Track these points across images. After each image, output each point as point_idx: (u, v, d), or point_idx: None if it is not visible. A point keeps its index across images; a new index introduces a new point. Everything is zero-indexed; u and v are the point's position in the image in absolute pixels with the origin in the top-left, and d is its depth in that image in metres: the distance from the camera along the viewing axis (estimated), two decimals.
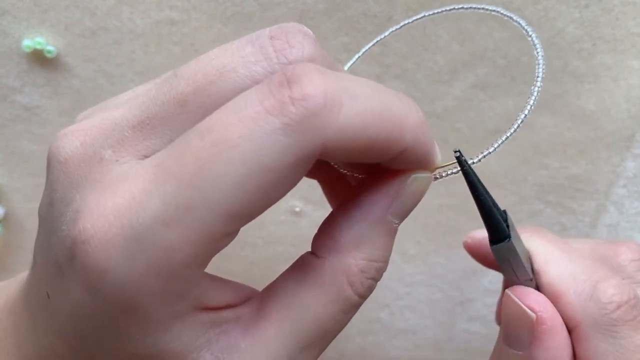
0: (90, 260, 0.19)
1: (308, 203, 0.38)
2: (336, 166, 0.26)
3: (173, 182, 0.18)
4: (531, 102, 0.24)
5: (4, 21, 0.34)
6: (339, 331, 0.23)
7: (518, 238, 0.25)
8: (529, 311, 0.25)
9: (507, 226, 0.24)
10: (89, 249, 0.19)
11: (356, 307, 0.23)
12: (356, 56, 0.28)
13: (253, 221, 0.21)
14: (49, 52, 0.34)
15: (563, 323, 0.25)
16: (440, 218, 0.38)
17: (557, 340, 0.25)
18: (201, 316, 0.21)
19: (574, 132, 0.36)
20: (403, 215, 0.23)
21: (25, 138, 0.37)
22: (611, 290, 0.24)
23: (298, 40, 0.20)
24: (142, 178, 0.19)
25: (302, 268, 0.23)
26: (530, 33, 0.26)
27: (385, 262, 0.23)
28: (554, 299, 0.25)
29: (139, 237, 0.18)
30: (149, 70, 0.35)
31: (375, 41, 0.28)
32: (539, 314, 0.24)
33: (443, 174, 0.23)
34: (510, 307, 0.25)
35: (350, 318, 0.23)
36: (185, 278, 0.19)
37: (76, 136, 0.21)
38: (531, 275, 0.26)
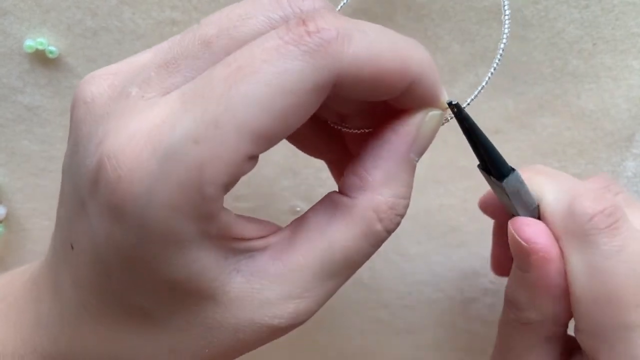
0: (121, 186, 0.20)
1: (309, 203, 0.38)
2: (344, 128, 0.27)
3: (202, 103, 0.20)
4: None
5: (6, 22, 0.34)
6: (364, 262, 0.24)
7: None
8: (523, 242, 0.26)
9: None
10: (120, 173, 0.20)
11: (382, 242, 0.24)
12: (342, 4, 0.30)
13: None
14: (51, 52, 0.35)
15: (558, 250, 0.26)
16: (440, 218, 0.38)
17: (550, 268, 0.26)
18: (231, 242, 0.22)
19: (574, 132, 0.36)
20: (421, 152, 0.24)
21: (27, 138, 0.37)
22: (586, 203, 0.26)
23: None
24: (170, 104, 0.20)
25: (331, 205, 0.24)
26: None
27: (409, 198, 0.24)
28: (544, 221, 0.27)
29: (171, 156, 0.19)
30: None
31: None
32: (531, 245, 0.26)
33: (449, 117, 0.25)
34: (511, 239, 0.27)
35: (375, 251, 0.24)
36: (213, 197, 0.20)
37: (104, 79, 0.22)
38: (535, 203, 0.27)
